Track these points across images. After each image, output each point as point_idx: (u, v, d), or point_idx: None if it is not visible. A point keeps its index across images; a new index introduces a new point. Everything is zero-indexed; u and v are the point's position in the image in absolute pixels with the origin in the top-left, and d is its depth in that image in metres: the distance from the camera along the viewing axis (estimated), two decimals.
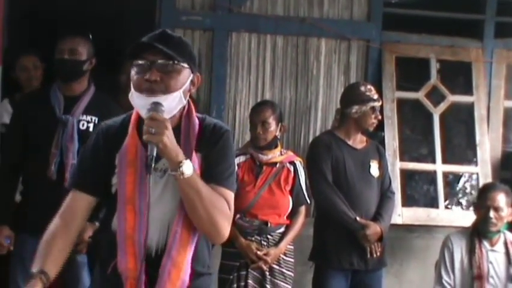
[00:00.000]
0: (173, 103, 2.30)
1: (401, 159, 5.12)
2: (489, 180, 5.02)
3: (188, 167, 2.23)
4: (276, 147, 4.17)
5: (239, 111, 5.03)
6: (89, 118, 3.86)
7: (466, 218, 4.74)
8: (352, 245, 4.10)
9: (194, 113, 2.41)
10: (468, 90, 5.29)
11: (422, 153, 5.25)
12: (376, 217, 4.15)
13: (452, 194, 5.23)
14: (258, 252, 3.99)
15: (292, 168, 4.13)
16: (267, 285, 4.02)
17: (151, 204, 2.30)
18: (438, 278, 4.22)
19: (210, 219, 2.29)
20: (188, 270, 2.34)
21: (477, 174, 5.20)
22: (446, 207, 5.16)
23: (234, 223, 3.77)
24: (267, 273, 4.02)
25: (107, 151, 2.39)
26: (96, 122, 3.82)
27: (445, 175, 5.21)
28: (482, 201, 4.18)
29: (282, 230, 4.09)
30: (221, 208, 2.32)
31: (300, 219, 4.16)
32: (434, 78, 5.27)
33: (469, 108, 5.28)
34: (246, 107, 4.93)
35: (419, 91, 5.23)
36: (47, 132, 3.79)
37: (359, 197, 4.14)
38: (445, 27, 5.33)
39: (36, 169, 3.80)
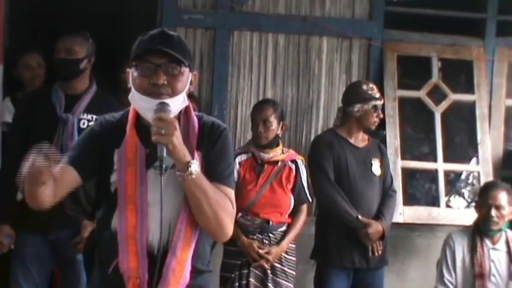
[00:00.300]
0: (178, 105, 2.31)
1: (403, 158, 5.11)
2: (490, 178, 5.01)
3: (196, 167, 2.23)
4: (277, 145, 4.16)
5: (241, 110, 5.02)
6: (90, 117, 3.85)
7: (468, 216, 4.74)
8: (354, 243, 4.10)
9: (192, 112, 2.41)
10: (470, 88, 5.28)
11: (423, 152, 5.24)
12: (378, 216, 4.15)
13: (453, 193, 5.23)
14: (260, 251, 3.99)
15: (293, 167, 4.13)
16: (269, 284, 4.02)
17: (152, 203, 2.30)
18: (440, 277, 4.22)
19: (215, 217, 2.30)
20: (189, 267, 2.34)
21: (478, 172, 5.20)
22: (448, 205, 5.16)
23: (236, 222, 3.73)
24: (269, 271, 4.03)
25: (103, 142, 2.37)
26: None
27: (446, 174, 5.20)
28: (484, 199, 4.18)
29: (283, 228, 4.09)
30: (225, 206, 2.33)
31: (302, 217, 4.16)
32: (435, 77, 5.25)
33: (471, 107, 5.26)
34: (248, 106, 4.92)
35: (421, 90, 5.22)
36: (48, 130, 3.77)
37: (361, 195, 4.14)
38: (447, 25, 5.31)
39: None
